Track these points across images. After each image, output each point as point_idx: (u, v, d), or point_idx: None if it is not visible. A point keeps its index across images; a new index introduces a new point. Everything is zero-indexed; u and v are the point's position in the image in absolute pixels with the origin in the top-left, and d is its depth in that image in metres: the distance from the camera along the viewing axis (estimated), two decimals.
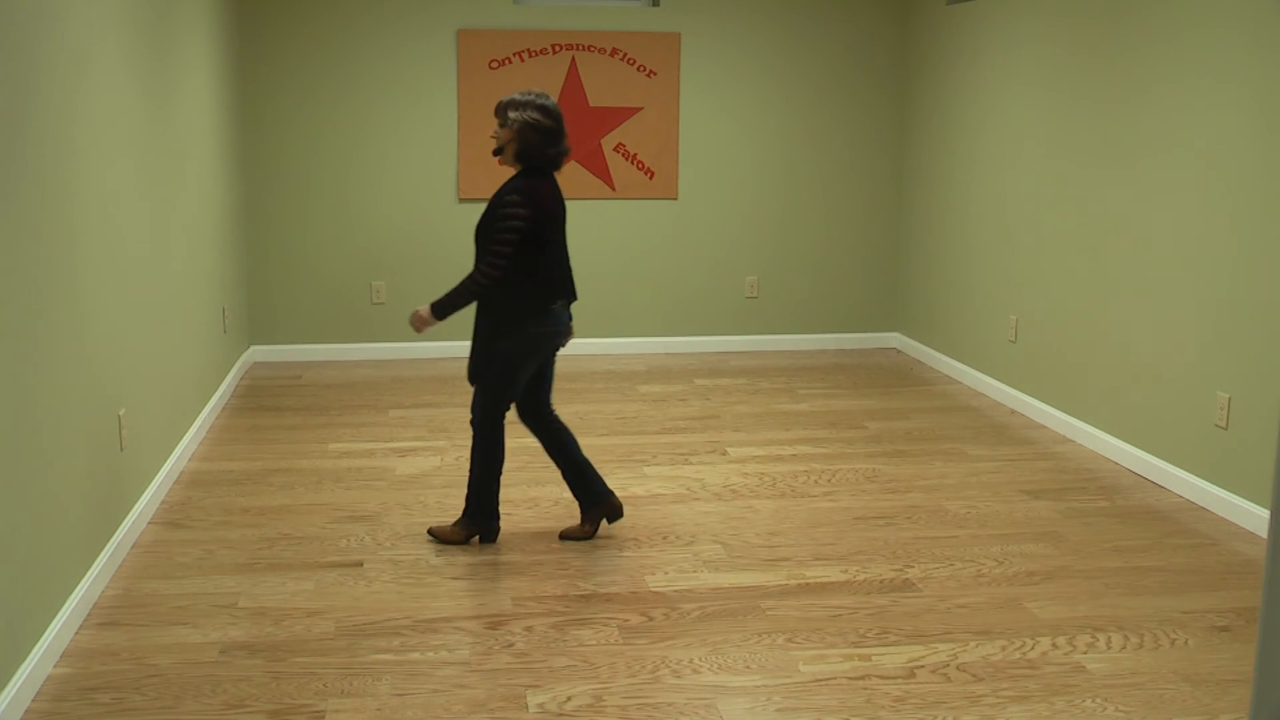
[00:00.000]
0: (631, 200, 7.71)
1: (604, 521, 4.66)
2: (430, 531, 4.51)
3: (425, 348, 7.65)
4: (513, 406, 4.77)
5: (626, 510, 4.85)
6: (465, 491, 4.70)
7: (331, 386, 6.89)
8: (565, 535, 4.55)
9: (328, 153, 7.39)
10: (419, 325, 4.33)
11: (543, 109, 4.27)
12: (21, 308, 3.30)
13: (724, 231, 7.85)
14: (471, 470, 4.45)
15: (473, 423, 4.42)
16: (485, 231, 4.24)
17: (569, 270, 4.41)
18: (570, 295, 4.40)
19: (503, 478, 5.24)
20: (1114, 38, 5.52)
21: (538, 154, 4.27)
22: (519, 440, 5.81)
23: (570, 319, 4.43)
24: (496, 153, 4.32)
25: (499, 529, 4.49)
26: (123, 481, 4.36)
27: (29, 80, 3.41)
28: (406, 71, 7.38)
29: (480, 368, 4.34)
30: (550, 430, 4.50)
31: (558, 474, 5.30)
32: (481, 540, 4.50)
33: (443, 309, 4.28)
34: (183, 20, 5.55)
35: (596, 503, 4.52)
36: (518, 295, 4.26)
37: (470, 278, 4.22)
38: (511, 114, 4.27)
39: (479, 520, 4.46)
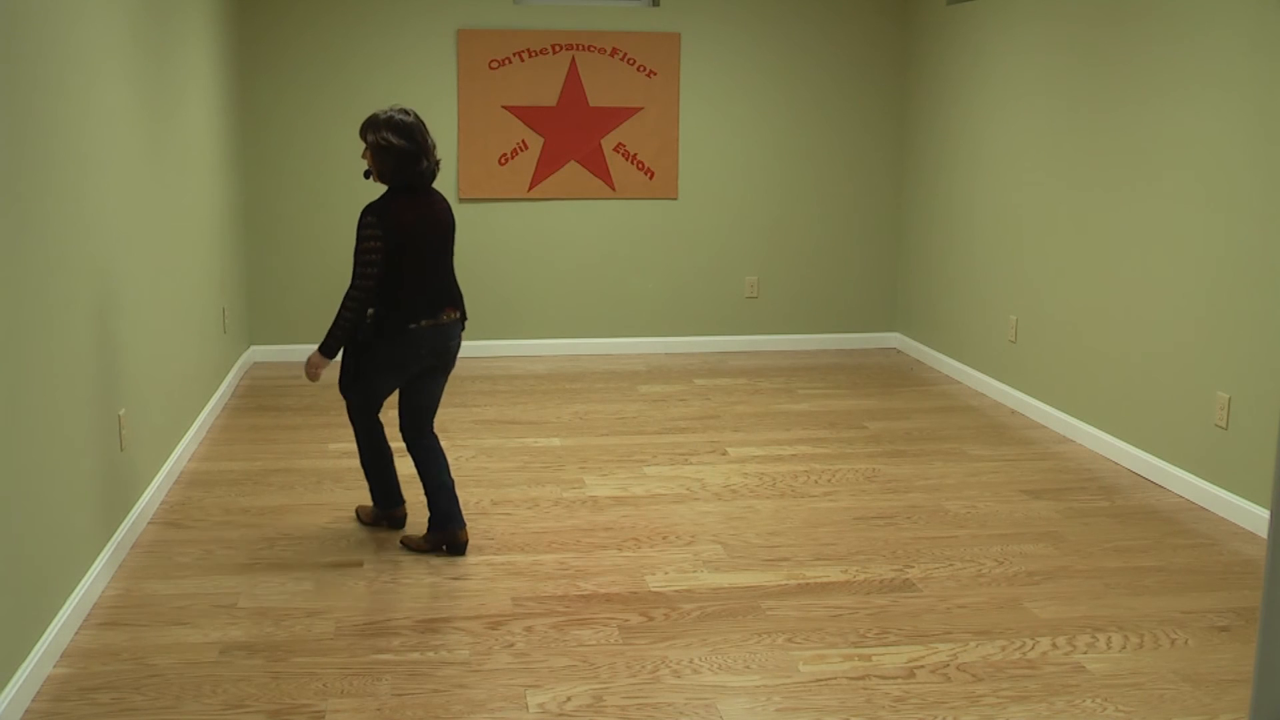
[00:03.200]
0: (631, 200, 7.71)
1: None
2: (403, 542, 4.42)
3: None
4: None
5: (627, 510, 4.85)
6: (435, 501, 4.38)
7: (331, 386, 6.88)
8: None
9: (328, 153, 7.39)
10: (314, 371, 4.24)
11: (396, 127, 4.06)
12: (22, 308, 3.30)
13: (724, 231, 7.85)
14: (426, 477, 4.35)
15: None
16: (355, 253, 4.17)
17: (444, 288, 4.22)
18: (434, 314, 4.20)
19: (502, 478, 5.24)
20: (1115, 38, 5.52)
21: (396, 175, 4.12)
22: (517, 440, 5.81)
23: (447, 337, 4.25)
24: (367, 174, 4.17)
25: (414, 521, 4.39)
26: (123, 481, 4.36)
27: (32, 84, 3.41)
28: (406, 71, 7.38)
29: (345, 381, 4.33)
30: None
31: (557, 474, 5.30)
32: (449, 550, 4.37)
33: (329, 348, 4.20)
34: (184, 19, 5.55)
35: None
36: (378, 314, 4.15)
37: (339, 311, 4.16)
38: (369, 136, 4.10)
39: (445, 527, 4.35)
